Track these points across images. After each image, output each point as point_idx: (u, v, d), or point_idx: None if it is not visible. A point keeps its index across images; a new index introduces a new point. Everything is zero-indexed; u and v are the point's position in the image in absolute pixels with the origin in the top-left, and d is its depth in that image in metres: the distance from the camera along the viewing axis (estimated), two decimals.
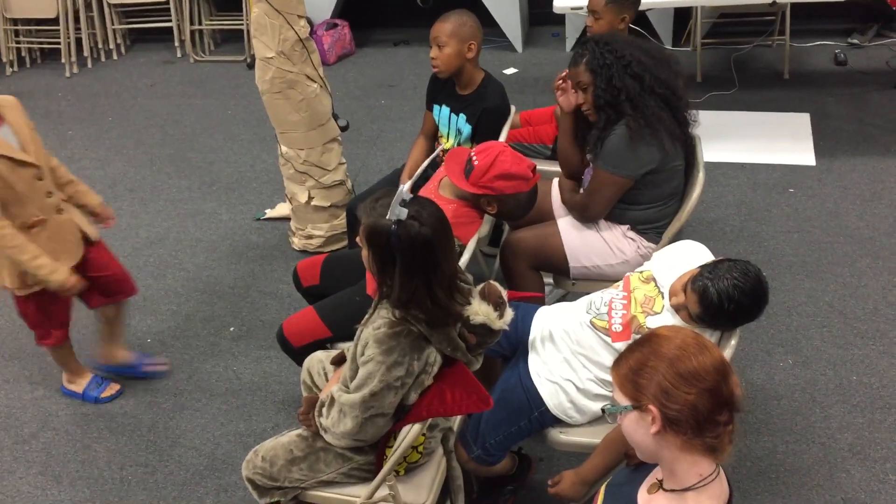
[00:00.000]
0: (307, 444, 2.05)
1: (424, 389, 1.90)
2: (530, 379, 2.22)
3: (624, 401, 1.42)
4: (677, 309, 2.04)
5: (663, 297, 2.10)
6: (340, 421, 1.90)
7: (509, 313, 1.93)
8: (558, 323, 2.25)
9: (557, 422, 2.22)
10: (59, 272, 2.56)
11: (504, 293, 1.95)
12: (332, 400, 1.94)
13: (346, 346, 2.11)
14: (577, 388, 2.16)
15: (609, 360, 2.07)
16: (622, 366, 1.44)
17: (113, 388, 3.06)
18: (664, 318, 2.06)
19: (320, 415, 1.98)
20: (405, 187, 1.77)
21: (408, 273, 1.77)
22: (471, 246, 2.48)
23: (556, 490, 2.10)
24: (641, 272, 2.22)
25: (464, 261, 2.46)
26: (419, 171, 1.93)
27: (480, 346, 1.93)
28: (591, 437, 2.19)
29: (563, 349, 2.21)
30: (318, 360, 2.31)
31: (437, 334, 1.83)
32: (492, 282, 1.96)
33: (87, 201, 2.76)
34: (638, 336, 2.00)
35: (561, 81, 2.72)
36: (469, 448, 2.25)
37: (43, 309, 2.73)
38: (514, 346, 2.33)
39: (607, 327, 2.13)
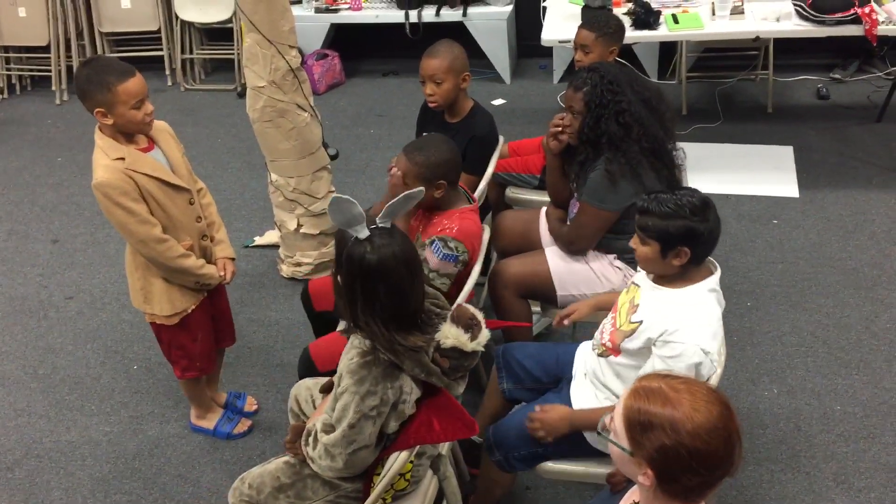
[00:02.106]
0: (294, 472, 2.04)
1: (410, 418, 1.90)
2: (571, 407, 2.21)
3: (623, 438, 1.39)
4: (644, 263, 2.06)
5: (640, 287, 2.12)
6: (326, 458, 1.90)
7: (484, 335, 1.91)
8: (593, 360, 2.25)
9: (588, 454, 2.18)
10: (211, 268, 2.59)
11: (478, 314, 1.95)
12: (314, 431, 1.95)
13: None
14: None
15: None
16: (637, 409, 1.38)
17: (245, 424, 2.95)
18: (644, 301, 2.07)
19: (307, 444, 1.98)
20: (380, 215, 1.78)
21: (350, 293, 1.79)
22: (473, 276, 2.48)
23: (541, 416, 2.11)
24: (628, 289, 2.24)
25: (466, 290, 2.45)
26: (396, 199, 1.88)
27: (457, 370, 1.92)
28: (578, 466, 2.20)
29: (601, 387, 2.21)
30: (306, 387, 2.31)
31: (407, 361, 1.83)
32: (462, 304, 1.96)
33: (215, 252, 2.67)
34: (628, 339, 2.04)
35: (558, 128, 2.68)
36: (491, 452, 2.24)
37: (193, 336, 2.65)
38: (557, 378, 2.34)
39: (605, 351, 2.15)
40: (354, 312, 1.82)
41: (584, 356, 2.30)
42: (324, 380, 2.23)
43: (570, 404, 2.21)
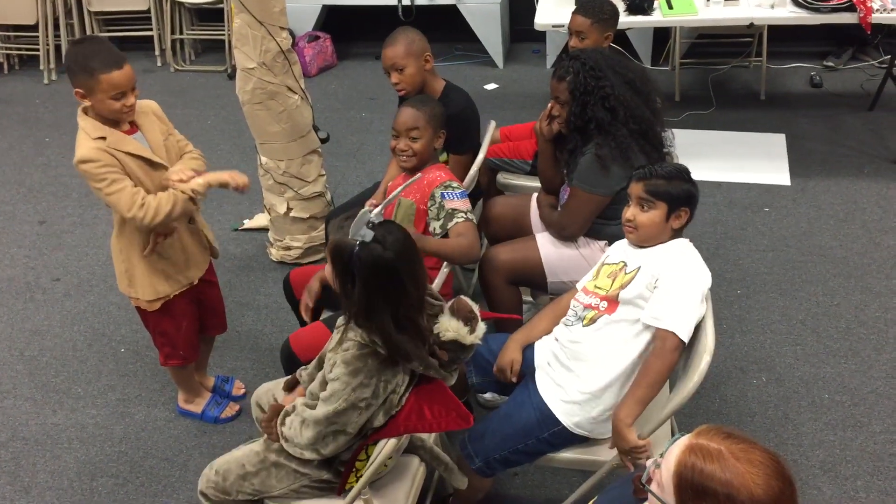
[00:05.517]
0: (259, 460, 2.04)
1: (400, 406, 1.89)
2: (542, 400, 2.19)
3: (670, 495, 1.30)
4: (646, 230, 2.16)
5: (619, 260, 2.21)
6: (302, 432, 1.90)
7: (481, 328, 1.92)
8: (558, 345, 2.24)
9: (569, 441, 2.19)
10: (183, 188, 2.40)
11: (475, 308, 1.95)
12: (294, 409, 1.95)
13: (299, 372, 2.15)
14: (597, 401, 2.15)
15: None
16: (692, 466, 1.27)
17: (233, 409, 2.94)
18: (633, 256, 2.17)
19: (282, 424, 1.98)
20: (375, 211, 1.78)
21: (368, 295, 1.78)
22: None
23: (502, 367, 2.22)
24: (595, 275, 2.28)
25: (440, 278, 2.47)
26: (392, 195, 1.93)
27: (454, 362, 1.93)
28: (564, 453, 2.20)
29: (576, 368, 2.18)
30: (267, 390, 2.31)
31: (406, 358, 1.83)
32: (462, 297, 1.96)
33: (192, 165, 2.51)
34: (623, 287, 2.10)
35: (548, 113, 2.69)
36: (471, 460, 2.24)
37: (176, 323, 2.63)
38: (522, 374, 2.32)
39: (598, 314, 2.14)
40: (369, 314, 1.79)
41: (544, 348, 2.28)
42: (283, 380, 2.24)
43: (538, 397, 2.19)
